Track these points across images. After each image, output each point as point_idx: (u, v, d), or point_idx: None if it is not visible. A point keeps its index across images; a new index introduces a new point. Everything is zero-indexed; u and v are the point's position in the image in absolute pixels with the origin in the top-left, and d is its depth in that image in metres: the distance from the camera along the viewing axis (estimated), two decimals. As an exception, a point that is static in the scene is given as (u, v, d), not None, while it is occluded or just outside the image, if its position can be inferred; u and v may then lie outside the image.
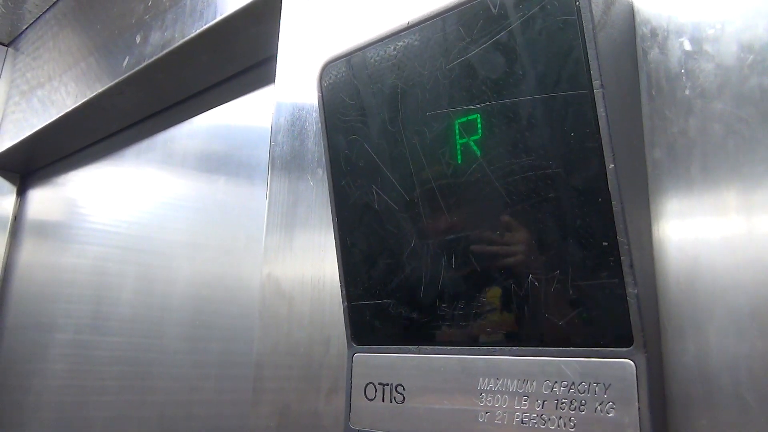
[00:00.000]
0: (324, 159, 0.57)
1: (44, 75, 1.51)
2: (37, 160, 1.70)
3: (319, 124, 0.58)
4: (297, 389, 0.66)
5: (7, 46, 1.77)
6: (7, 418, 1.51)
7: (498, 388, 0.44)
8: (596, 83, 0.39)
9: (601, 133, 0.39)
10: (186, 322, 1.06)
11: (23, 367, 1.51)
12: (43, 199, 1.71)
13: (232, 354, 0.96)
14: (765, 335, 0.38)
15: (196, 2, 0.99)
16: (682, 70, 0.43)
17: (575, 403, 0.40)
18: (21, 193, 1.80)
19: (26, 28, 1.69)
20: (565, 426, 0.40)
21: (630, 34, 0.45)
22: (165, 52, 1.03)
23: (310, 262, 0.69)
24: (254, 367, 0.71)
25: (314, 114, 0.73)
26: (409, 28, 0.50)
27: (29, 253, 1.68)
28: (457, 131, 0.47)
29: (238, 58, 1.02)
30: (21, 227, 1.75)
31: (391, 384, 0.51)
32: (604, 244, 0.39)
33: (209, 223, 1.08)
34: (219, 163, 1.10)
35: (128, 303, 1.21)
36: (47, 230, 1.63)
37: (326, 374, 0.64)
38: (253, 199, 1.00)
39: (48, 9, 1.58)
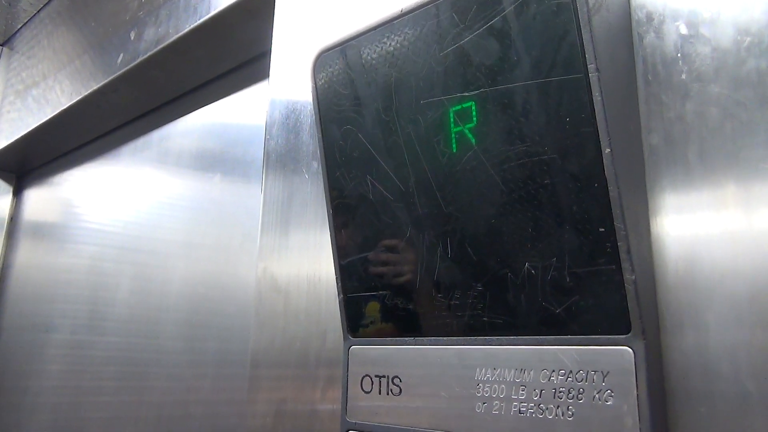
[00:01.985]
0: (318, 151, 0.57)
1: (39, 74, 1.50)
2: (32, 160, 1.69)
3: (314, 117, 0.58)
4: (293, 384, 0.66)
5: (2, 45, 1.76)
6: (4, 420, 1.50)
7: (495, 378, 0.44)
8: (591, 67, 0.39)
9: (597, 117, 0.39)
10: (182, 321, 1.05)
11: (20, 368, 1.50)
12: (39, 199, 1.71)
13: (229, 353, 0.95)
14: (764, 322, 0.37)
15: (189, -2, 0.98)
16: (679, 54, 0.43)
17: (573, 392, 0.40)
18: (17, 193, 1.79)
19: (21, 27, 1.68)
20: (563, 415, 0.40)
21: (625, 19, 0.45)
22: (159, 48, 1.03)
23: (306, 257, 0.68)
24: (250, 362, 0.71)
25: (309, 107, 0.72)
26: (403, 15, 0.50)
27: (25, 254, 1.67)
28: (452, 119, 0.46)
29: (232, 53, 1.01)
30: (17, 228, 1.74)
31: (388, 376, 0.51)
32: (600, 230, 0.39)
33: (205, 221, 1.07)
34: (214, 160, 1.09)
35: (124, 303, 1.20)
36: (43, 230, 1.62)
37: (323, 368, 0.63)
38: (249, 196, 1.00)
39: (42, 7, 1.57)
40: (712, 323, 0.39)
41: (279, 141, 0.74)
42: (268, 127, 0.76)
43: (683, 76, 0.42)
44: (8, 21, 1.63)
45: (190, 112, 1.17)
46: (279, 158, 0.74)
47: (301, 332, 0.67)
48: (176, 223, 1.14)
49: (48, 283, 1.51)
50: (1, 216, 1.75)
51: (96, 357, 1.24)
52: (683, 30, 0.43)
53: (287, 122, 0.74)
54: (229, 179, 1.05)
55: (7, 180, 1.78)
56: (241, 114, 1.06)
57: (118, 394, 1.15)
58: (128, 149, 1.34)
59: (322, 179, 0.57)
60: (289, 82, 0.76)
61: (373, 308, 0.53)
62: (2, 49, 1.75)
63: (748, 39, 0.40)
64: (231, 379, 0.94)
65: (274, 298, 0.70)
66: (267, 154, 0.75)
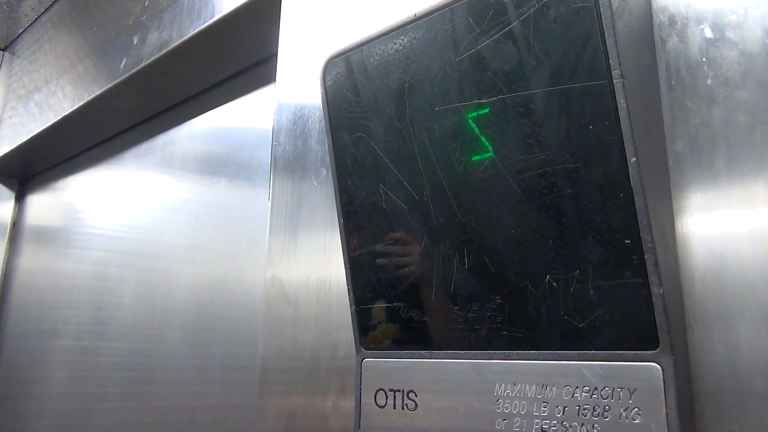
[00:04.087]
0: (328, 158, 0.55)
1: (41, 79, 1.49)
2: (35, 165, 1.68)
3: (322, 123, 0.56)
4: (304, 395, 0.64)
5: (3, 50, 1.75)
6: (9, 427, 1.49)
7: (516, 394, 0.42)
8: (616, 73, 0.37)
9: (622, 125, 0.37)
10: (189, 326, 1.04)
11: (24, 374, 1.49)
12: (42, 205, 1.70)
13: (236, 358, 0.94)
14: (796, 335, 0.36)
15: (193, 1, 0.97)
16: (704, 59, 0.41)
17: (598, 409, 0.38)
18: (19, 198, 1.78)
19: (22, 32, 1.67)
20: (588, 433, 0.39)
21: (647, 22, 0.43)
22: (163, 52, 1.01)
23: (315, 264, 0.67)
24: (259, 372, 0.70)
25: (317, 112, 0.71)
26: (416, 20, 0.48)
27: (29, 259, 1.66)
28: (468, 126, 0.45)
29: (237, 57, 1.00)
30: (20, 233, 1.73)
31: (403, 390, 0.49)
32: (626, 242, 0.38)
33: (210, 225, 1.06)
34: (220, 164, 1.08)
35: (129, 308, 1.19)
36: (47, 236, 1.61)
37: (334, 380, 0.62)
38: (255, 200, 0.98)
39: (44, 12, 1.56)
40: (743, 337, 0.37)
41: (287, 147, 0.73)
42: (276, 133, 0.75)
43: (709, 81, 0.41)
44: (9, 26, 1.62)
45: (195, 116, 1.16)
46: (287, 165, 0.72)
47: (311, 342, 0.65)
48: (181, 228, 1.13)
49: (52, 289, 1.50)
50: (3, 221, 1.75)
51: (101, 363, 1.23)
52: (708, 33, 0.41)
53: (295, 128, 0.73)
54: (234, 184, 1.04)
55: (9, 185, 1.77)
56: (246, 118, 1.05)
57: (124, 401, 1.14)
58: (132, 154, 1.33)
59: (331, 187, 0.56)
60: (296, 87, 0.75)
61: (386, 320, 0.51)
62: (4, 53, 1.74)
63: (778, 42, 0.38)
64: (238, 384, 0.92)
65: (283, 306, 0.69)
66: (274, 161, 0.74)
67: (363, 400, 0.52)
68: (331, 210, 0.66)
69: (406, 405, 0.49)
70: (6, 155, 1.59)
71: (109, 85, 1.17)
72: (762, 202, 0.38)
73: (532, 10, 0.41)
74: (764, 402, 0.36)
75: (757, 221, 0.38)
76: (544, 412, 0.41)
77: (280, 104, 0.76)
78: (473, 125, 0.45)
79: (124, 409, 1.13)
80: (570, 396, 0.40)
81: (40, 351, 1.45)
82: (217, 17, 0.90)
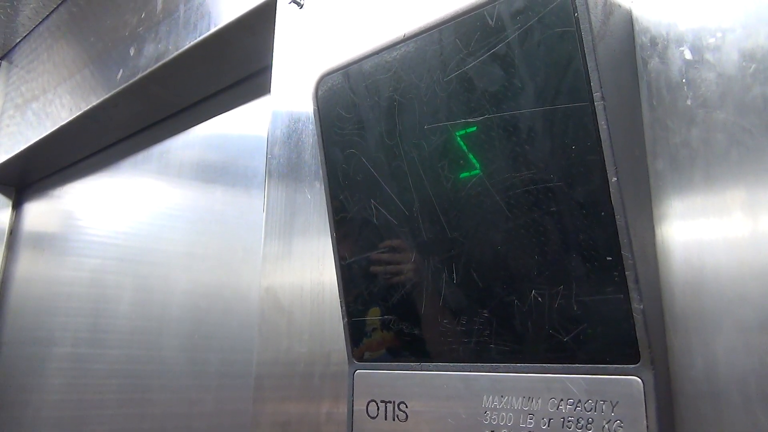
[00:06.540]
0: (321, 173, 0.57)
1: (39, 88, 1.50)
2: (32, 173, 1.69)
3: (316, 137, 0.58)
4: (298, 405, 0.65)
5: (0, 59, 1.76)
6: (6, 435, 1.50)
7: (503, 406, 0.43)
8: (597, 95, 0.39)
9: (603, 146, 0.39)
10: (185, 333, 1.05)
11: (21, 382, 1.50)
12: (39, 212, 1.70)
13: (232, 365, 0.95)
14: (773, 348, 0.37)
15: (189, 14, 0.98)
16: (683, 80, 0.42)
17: (582, 422, 0.39)
18: (17, 206, 1.79)
19: (20, 41, 1.68)
20: (572, 445, 0.40)
21: (629, 44, 0.45)
22: (159, 64, 1.03)
23: (309, 276, 0.68)
24: (254, 382, 0.71)
25: (311, 126, 0.72)
26: (405, 40, 0.49)
27: (26, 267, 1.67)
28: (456, 144, 0.46)
29: (232, 69, 1.01)
30: (17, 241, 1.74)
31: (394, 402, 0.50)
32: (608, 258, 0.39)
33: (207, 233, 1.07)
34: (216, 173, 1.09)
35: (126, 315, 1.20)
36: (44, 243, 1.62)
37: (327, 390, 0.63)
38: (251, 210, 0.99)
39: (41, 22, 1.57)
40: (721, 349, 0.39)
41: (281, 160, 0.74)
42: (270, 146, 0.76)
43: (688, 102, 0.42)
44: (7, 35, 1.63)
45: (191, 126, 1.17)
46: (281, 177, 0.73)
47: (305, 351, 0.66)
48: (178, 235, 1.14)
49: (49, 297, 1.50)
50: (1, 229, 1.75)
51: (98, 370, 1.24)
52: (688, 55, 0.42)
53: (289, 141, 0.74)
54: (230, 192, 1.05)
55: (6, 193, 1.78)
56: (242, 128, 1.06)
57: (121, 408, 1.14)
58: (129, 163, 1.34)
59: (324, 200, 0.57)
60: (290, 99, 0.76)
61: (377, 332, 0.53)
62: (1, 62, 1.75)
63: (754, 65, 0.39)
64: (234, 391, 0.93)
65: (277, 317, 0.70)
66: (269, 173, 0.75)
67: (355, 411, 0.53)
68: (324, 223, 0.67)
69: (397, 416, 0.50)
70: (3, 163, 1.59)
71: (107, 95, 1.18)
72: (739, 220, 0.39)
73: (516, 33, 0.42)
74: (741, 415, 0.37)
75: (735, 238, 0.39)
76: (530, 423, 0.42)
77: (274, 115, 0.77)
78: (461, 143, 0.46)
79: (121, 416, 1.14)
80: (555, 408, 0.41)
81: (37, 358, 1.45)
82: (212, 30, 0.92)
